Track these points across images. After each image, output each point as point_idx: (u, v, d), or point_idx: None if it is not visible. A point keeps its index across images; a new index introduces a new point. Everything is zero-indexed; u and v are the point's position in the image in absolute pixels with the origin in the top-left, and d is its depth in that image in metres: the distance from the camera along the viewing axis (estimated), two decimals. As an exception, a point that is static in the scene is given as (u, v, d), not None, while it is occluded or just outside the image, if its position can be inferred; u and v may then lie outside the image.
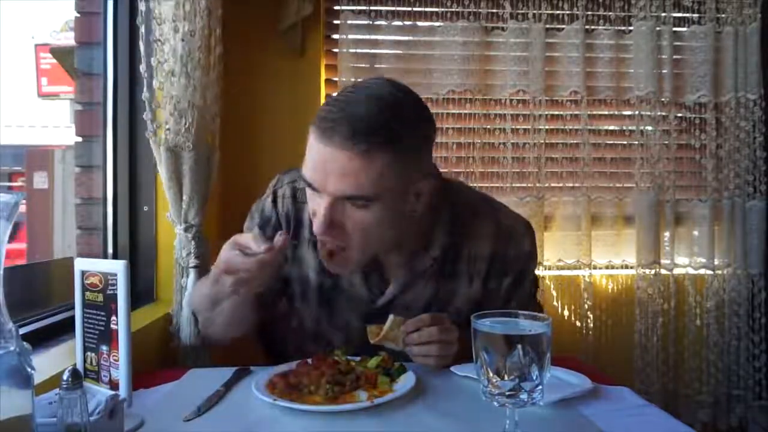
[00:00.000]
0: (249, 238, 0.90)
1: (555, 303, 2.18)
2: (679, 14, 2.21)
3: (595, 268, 2.18)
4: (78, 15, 1.66)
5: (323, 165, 0.87)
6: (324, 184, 0.88)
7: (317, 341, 1.16)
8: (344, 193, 0.88)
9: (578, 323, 2.17)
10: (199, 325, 1.22)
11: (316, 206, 0.92)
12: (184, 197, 1.42)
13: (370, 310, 1.10)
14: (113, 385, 0.81)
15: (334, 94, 0.98)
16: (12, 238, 0.57)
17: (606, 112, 2.23)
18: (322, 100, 2.10)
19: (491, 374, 0.69)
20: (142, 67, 1.37)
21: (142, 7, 1.36)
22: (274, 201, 1.13)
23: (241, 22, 1.86)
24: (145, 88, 1.37)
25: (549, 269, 2.16)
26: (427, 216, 1.03)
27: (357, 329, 1.09)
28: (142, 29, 1.37)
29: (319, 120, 0.88)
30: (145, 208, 1.60)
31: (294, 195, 1.11)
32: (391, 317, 1.01)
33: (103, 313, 0.82)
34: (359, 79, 0.96)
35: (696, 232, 2.21)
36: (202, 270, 1.45)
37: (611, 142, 2.22)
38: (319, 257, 1.02)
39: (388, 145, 0.86)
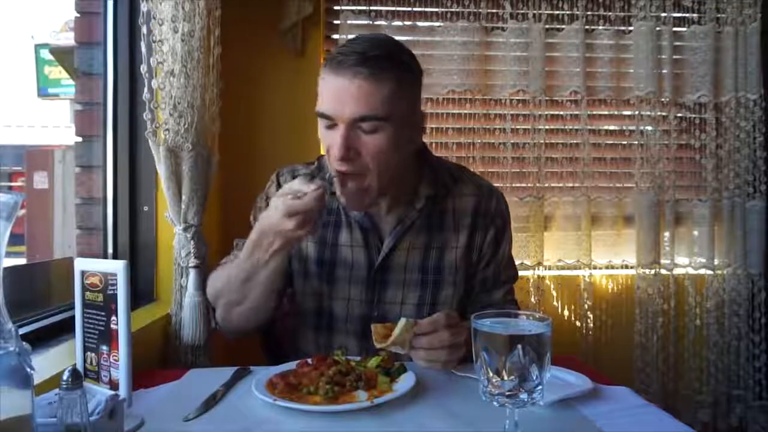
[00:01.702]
0: (295, 183, 0.98)
1: (555, 303, 2.18)
2: (679, 14, 2.21)
3: (595, 268, 2.18)
4: (78, 15, 1.66)
5: (338, 93, 0.97)
6: (341, 110, 0.97)
7: (319, 319, 1.18)
8: (359, 114, 0.97)
9: (578, 323, 2.17)
10: (218, 316, 1.20)
11: (332, 140, 1.00)
12: (183, 197, 1.42)
13: (370, 276, 1.15)
14: (113, 385, 0.81)
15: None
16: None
17: (606, 112, 2.23)
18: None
19: (491, 374, 0.69)
20: (143, 68, 1.37)
21: (144, 8, 1.36)
22: (279, 187, 1.19)
23: (241, 22, 1.86)
24: (145, 89, 1.37)
25: (549, 269, 2.16)
26: (411, 173, 1.14)
27: (358, 302, 1.15)
28: (144, 30, 1.37)
29: (330, 58, 0.99)
30: (145, 208, 1.60)
31: (294, 179, 1.17)
32: (402, 320, 0.98)
33: (103, 313, 0.82)
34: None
35: (696, 232, 2.21)
36: (202, 270, 1.45)
37: (611, 142, 2.22)
38: (338, 201, 1.11)
39: (392, 69, 0.98)
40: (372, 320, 1.13)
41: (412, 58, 1.06)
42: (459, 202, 1.18)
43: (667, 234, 2.17)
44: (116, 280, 0.79)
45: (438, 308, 1.14)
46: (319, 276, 1.18)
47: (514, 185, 2.15)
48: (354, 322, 1.17)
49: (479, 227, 1.18)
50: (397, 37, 2.11)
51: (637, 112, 2.18)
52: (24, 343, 0.56)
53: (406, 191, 1.15)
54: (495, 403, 0.70)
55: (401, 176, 1.11)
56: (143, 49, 1.37)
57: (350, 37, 2.09)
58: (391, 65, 0.98)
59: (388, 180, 1.06)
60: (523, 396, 0.68)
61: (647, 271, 2.15)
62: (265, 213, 1.02)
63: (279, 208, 0.96)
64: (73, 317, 0.86)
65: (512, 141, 2.15)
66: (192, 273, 1.44)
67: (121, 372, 0.80)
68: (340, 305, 1.17)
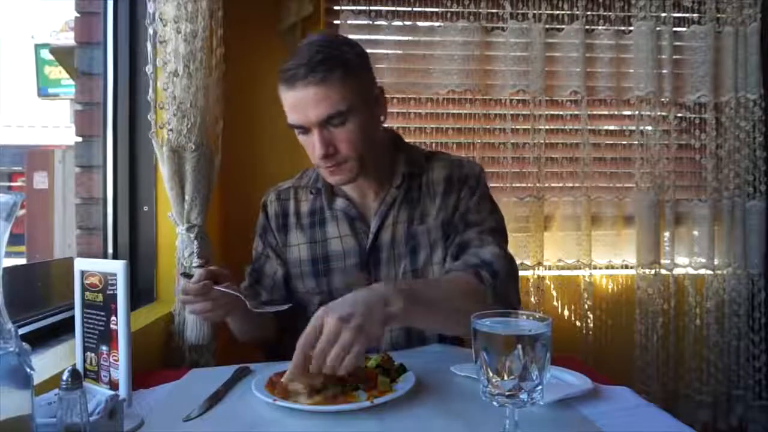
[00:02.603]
0: (203, 271, 1.07)
1: (555, 303, 2.18)
2: (679, 14, 2.21)
3: (595, 268, 2.18)
4: (78, 15, 1.66)
5: (299, 104, 1.06)
6: (306, 117, 1.06)
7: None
8: (324, 115, 1.05)
9: (578, 323, 2.17)
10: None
11: (310, 143, 1.10)
12: (186, 197, 1.42)
13: (363, 260, 1.21)
14: (113, 385, 0.81)
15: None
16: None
17: (606, 112, 2.23)
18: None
19: (491, 374, 0.69)
20: (149, 68, 1.37)
21: (151, 8, 1.37)
22: (264, 209, 1.30)
23: (242, 22, 1.85)
24: (150, 89, 1.37)
25: (549, 269, 2.16)
26: (388, 159, 1.22)
27: (357, 287, 1.14)
28: (150, 30, 1.37)
29: (282, 76, 1.08)
30: (145, 208, 1.60)
31: (278, 196, 1.30)
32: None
33: (102, 313, 0.82)
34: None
35: (696, 232, 2.21)
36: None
37: (611, 142, 2.22)
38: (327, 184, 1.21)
39: (337, 67, 1.05)
40: None
41: (351, 47, 1.12)
42: (433, 174, 1.24)
43: (667, 234, 2.17)
44: (116, 280, 0.79)
45: (433, 268, 1.19)
46: (315, 273, 1.24)
47: (514, 185, 2.15)
48: None
49: (453, 190, 1.23)
50: (397, 38, 2.15)
51: (637, 112, 2.18)
52: (24, 343, 0.56)
53: (384, 174, 1.22)
54: (495, 403, 0.70)
55: (379, 156, 1.19)
56: (149, 49, 1.37)
57: (351, 36, 2.10)
58: (334, 64, 1.05)
59: (367, 157, 1.14)
60: (523, 396, 0.68)
61: (647, 271, 2.15)
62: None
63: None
64: (73, 317, 0.86)
65: (512, 141, 2.15)
66: (195, 273, 1.44)
67: (120, 372, 0.80)
68: (341, 295, 1.17)
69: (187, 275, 1.08)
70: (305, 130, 1.09)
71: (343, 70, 1.06)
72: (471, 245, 1.16)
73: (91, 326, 0.83)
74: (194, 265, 1.45)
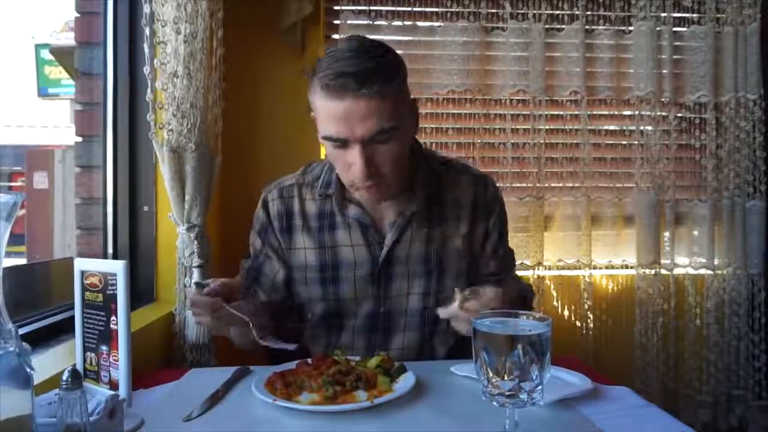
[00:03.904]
0: (217, 283, 1.02)
1: (555, 303, 2.18)
2: (679, 14, 2.21)
3: (595, 268, 2.18)
4: (78, 15, 1.66)
5: (344, 117, 0.97)
6: (352, 132, 0.98)
7: (328, 321, 1.19)
8: (372, 132, 0.98)
9: (578, 323, 2.17)
10: None
11: (349, 157, 1.01)
12: (187, 197, 1.42)
13: (375, 272, 1.16)
14: (113, 385, 0.81)
15: (320, 58, 1.05)
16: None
17: (606, 112, 2.23)
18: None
19: (491, 374, 0.69)
20: (146, 69, 1.37)
21: (147, 9, 1.37)
22: (265, 207, 1.22)
23: (242, 21, 1.86)
24: (149, 90, 1.37)
25: (549, 269, 2.16)
26: (409, 169, 1.14)
27: (364, 299, 1.16)
28: (147, 31, 1.37)
29: (322, 82, 0.97)
30: (145, 208, 1.60)
31: (281, 194, 1.21)
32: (458, 296, 0.97)
33: (102, 313, 0.82)
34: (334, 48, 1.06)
35: (696, 232, 2.21)
36: (206, 269, 1.46)
37: (611, 142, 2.22)
38: (354, 198, 1.14)
39: (387, 80, 0.98)
40: (378, 315, 1.17)
41: (394, 56, 1.06)
42: (456, 192, 1.20)
43: (667, 234, 2.17)
44: (116, 280, 0.79)
45: (444, 296, 1.14)
46: (322, 280, 1.18)
47: (514, 185, 2.15)
48: (361, 318, 1.18)
49: (481, 216, 1.20)
50: (397, 38, 2.15)
51: (637, 112, 2.18)
52: (24, 343, 0.56)
53: (405, 190, 1.15)
54: (495, 403, 0.70)
55: (399, 181, 1.12)
56: (146, 50, 1.37)
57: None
58: (384, 76, 0.98)
59: (403, 173, 1.11)
60: (523, 396, 0.68)
61: (647, 271, 2.15)
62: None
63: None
64: (73, 317, 0.86)
65: (512, 141, 2.15)
66: (195, 272, 1.44)
67: (120, 372, 0.80)
68: (346, 305, 1.18)
69: (201, 285, 1.03)
70: (343, 143, 1.00)
71: (393, 82, 0.99)
72: (494, 276, 1.20)
73: (91, 326, 0.83)
74: (195, 264, 1.45)
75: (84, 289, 0.84)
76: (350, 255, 1.16)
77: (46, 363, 1.01)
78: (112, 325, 0.80)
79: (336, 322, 1.19)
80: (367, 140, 0.98)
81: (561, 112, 2.19)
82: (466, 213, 1.19)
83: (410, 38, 2.15)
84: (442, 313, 0.99)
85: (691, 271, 2.21)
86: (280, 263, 1.21)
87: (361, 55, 0.98)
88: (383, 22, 2.11)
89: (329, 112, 0.98)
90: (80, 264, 0.85)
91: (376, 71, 0.96)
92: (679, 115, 2.21)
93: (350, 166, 1.02)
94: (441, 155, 1.29)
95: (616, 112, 2.23)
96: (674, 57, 2.18)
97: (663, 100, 2.17)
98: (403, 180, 1.13)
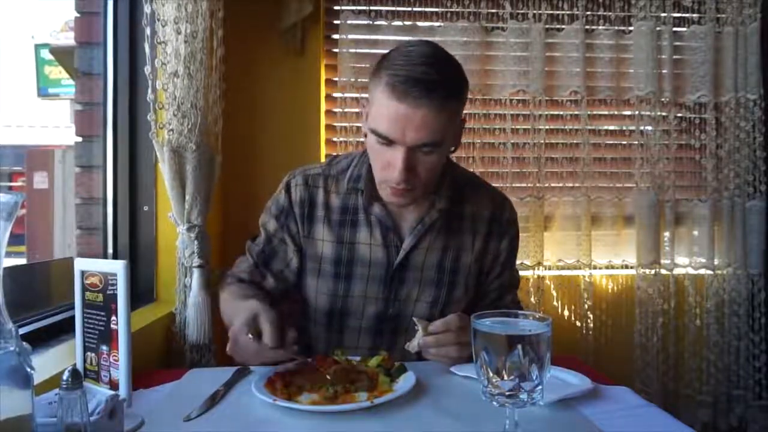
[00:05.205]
0: (268, 328, 0.95)
1: (555, 303, 2.18)
2: (679, 14, 2.21)
3: (595, 268, 2.18)
4: (78, 15, 1.66)
5: (400, 120, 0.98)
6: (402, 136, 0.99)
7: (331, 318, 1.20)
8: (421, 142, 0.99)
9: (578, 323, 2.17)
10: None
11: (390, 158, 1.02)
12: (187, 197, 1.42)
13: (389, 274, 1.17)
14: (113, 385, 0.80)
15: (392, 52, 1.03)
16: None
17: (606, 112, 2.23)
18: (322, 100, 2.11)
19: (491, 374, 0.69)
20: (147, 69, 1.37)
21: (147, 9, 1.37)
22: (288, 191, 1.21)
23: (242, 21, 1.86)
24: (150, 90, 1.37)
25: (549, 269, 2.16)
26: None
27: (374, 299, 1.17)
28: (148, 31, 1.37)
29: (391, 81, 0.98)
30: (145, 208, 1.60)
31: (306, 182, 1.21)
32: (419, 327, 1.02)
33: (103, 313, 0.82)
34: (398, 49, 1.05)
35: (696, 232, 2.21)
36: (206, 269, 1.46)
37: (611, 142, 2.22)
38: (379, 198, 1.14)
39: (452, 98, 0.99)
40: (387, 317, 1.18)
41: (462, 74, 1.05)
42: (476, 208, 1.21)
43: (667, 234, 2.17)
44: (116, 280, 0.79)
45: (451, 307, 1.17)
46: (335, 275, 1.18)
47: (514, 185, 2.15)
48: (368, 319, 1.18)
49: (495, 235, 1.22)
50: (396, 38, 2.14)
51: (637, 112, 2.18)
52: (24, 343, 0.56)
53: (427, 197, 1.16)
54: (495, 403, 0.70)
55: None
56: (147, 50, 1.37)
57: (351, 36, 2.08)
58: (450, 93, 0.99)
59: (432, 184, 1.12)
60: (523, 396, 0.68)
61: (647, 271, 2.15)
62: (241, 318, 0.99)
63: (234, 330, 0.98)
64: (73, 317, 0.86)
65: (512, 141, 2.15)
66: (196, 272, 1.44)
67: (121, 372, 0.80)
68: (355, 303, 1.18)
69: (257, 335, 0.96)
70: (389, 142, 1.01)
71: (456, 100, 1.01)
72: (499, 296, 1.23)
73: (92, 326, 0.83)
74: (195, 264, 1.45)
75: (84, 289, 0.84)
76: (367, 254, 1.17)
77: (47, 363, 1.01)
78: (112, 325, 0.80)
79: (338, 319, 1.20)
80: (413, 147, 1.00)
81: (561, 112, 2.19)
82: (483, 229, 1.20)
83: (410, 38, 2.15)
84: (411, 348, 1.03)
85: (691, 271, 2.21)
86: (295, 250, 1.20)
87: (433, 64, 0.98)
88: (383, 22, 2.11)
89: (387, 110, 0.99)
90: (80, 264, 0.85)
91: (444, 84, 0.97)
92: (679, 115, 2.21)
93: (389, 164, 1.03)
94: (465, 170, 1.30)
95: (616, 112, 2.23)
96: (674, 57, 2.18)
97: (663, 100, 2.17)
98: (430, 188, 1.14)
